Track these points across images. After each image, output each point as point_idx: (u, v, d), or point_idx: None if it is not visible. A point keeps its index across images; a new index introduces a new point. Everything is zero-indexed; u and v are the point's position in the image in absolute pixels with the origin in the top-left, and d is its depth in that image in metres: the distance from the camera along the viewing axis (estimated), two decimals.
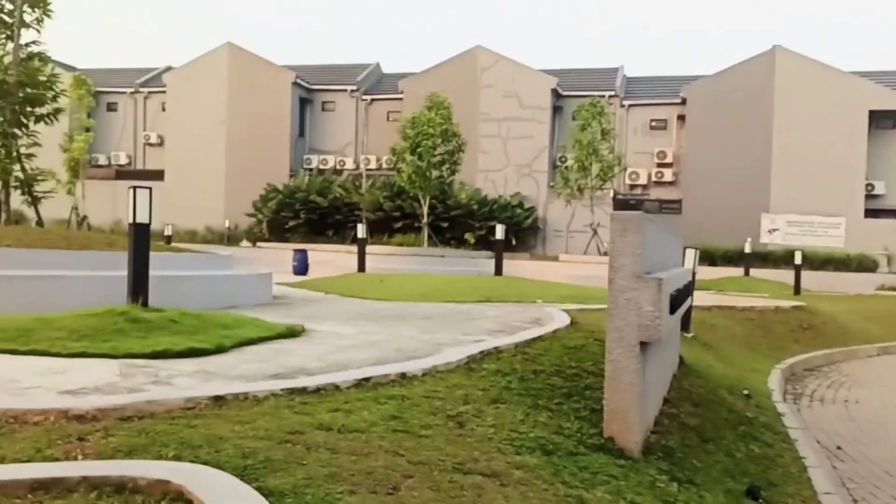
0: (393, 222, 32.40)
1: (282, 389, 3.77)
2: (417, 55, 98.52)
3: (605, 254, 28.71)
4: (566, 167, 31.36)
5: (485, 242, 30.42)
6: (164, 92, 39.39)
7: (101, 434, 2.84)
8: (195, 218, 36.62)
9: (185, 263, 9.69)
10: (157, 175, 38.83)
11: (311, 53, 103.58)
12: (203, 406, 3.42)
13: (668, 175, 34.64)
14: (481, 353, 5.18)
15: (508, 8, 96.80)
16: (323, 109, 39.51)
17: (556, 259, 29.55)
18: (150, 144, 40.45)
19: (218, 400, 3.52)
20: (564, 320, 7.39)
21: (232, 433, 2.95)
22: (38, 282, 7.77)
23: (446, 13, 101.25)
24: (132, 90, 41.09)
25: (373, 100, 38.73)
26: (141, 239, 6.23)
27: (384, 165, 36.51)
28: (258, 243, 33.77)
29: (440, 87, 31.98)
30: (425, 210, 30.31)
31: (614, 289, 4.12)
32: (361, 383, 4.11)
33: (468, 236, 31.05)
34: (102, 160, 39.72)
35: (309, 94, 39.18)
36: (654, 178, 34.86)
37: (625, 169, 32.94)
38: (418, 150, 29.27)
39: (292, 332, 6.87)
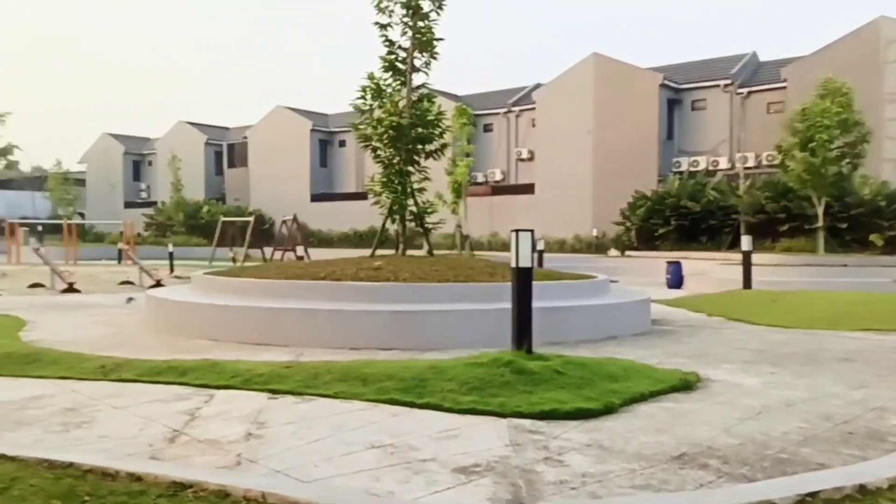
0: (777, 225, 29.08)
1: None
2: (799, 39, 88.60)
3: None
4: None
5: None
6: (533, 108, 41.13)
7: None
8: (564, 228, 37.43)
9: (562, 293, 9.42)
10: (528, 189, 40.71)
11: (679, 52, 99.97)
12: None
13: None
14: None
15: None
16: (693, 108, 37.43)
17: None
18: (522, 160, 42.58)
19: None
20: None
21: None
22: (431, 316, 8.12)
23: None
24: (505, 110, 43.72)
25: (749, 92, 35.51)
26: (524, 283, 5.99)
27: (764, 163, 33.17)
28: (626, 252, 33.16)
29: (831, 70, 27.84)
30: (820, 211, 26.39)
31: None
32: (805, 500, 3.13)
33: (874, 238, 26.12)
34: (480, 178, 42.92)
35: (677, 93, 37.47)
36: None
37: None
38: (811, 144, 25.67)
39: (686, 384, 6.05)
